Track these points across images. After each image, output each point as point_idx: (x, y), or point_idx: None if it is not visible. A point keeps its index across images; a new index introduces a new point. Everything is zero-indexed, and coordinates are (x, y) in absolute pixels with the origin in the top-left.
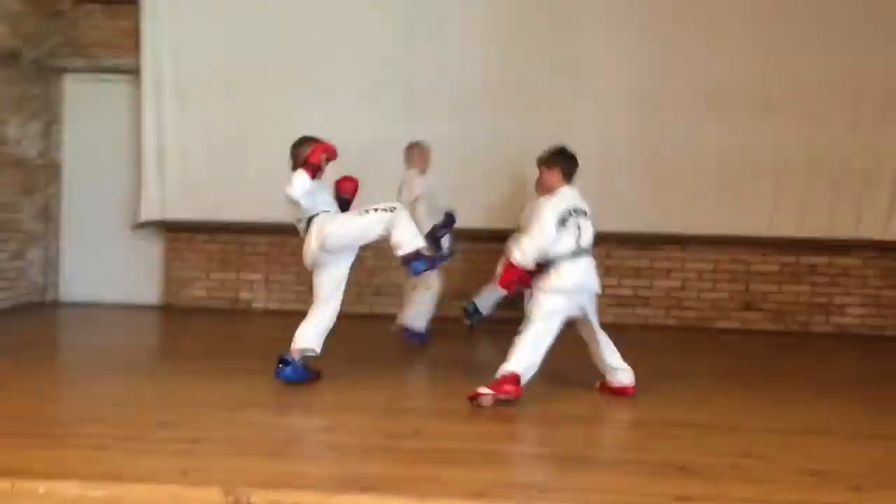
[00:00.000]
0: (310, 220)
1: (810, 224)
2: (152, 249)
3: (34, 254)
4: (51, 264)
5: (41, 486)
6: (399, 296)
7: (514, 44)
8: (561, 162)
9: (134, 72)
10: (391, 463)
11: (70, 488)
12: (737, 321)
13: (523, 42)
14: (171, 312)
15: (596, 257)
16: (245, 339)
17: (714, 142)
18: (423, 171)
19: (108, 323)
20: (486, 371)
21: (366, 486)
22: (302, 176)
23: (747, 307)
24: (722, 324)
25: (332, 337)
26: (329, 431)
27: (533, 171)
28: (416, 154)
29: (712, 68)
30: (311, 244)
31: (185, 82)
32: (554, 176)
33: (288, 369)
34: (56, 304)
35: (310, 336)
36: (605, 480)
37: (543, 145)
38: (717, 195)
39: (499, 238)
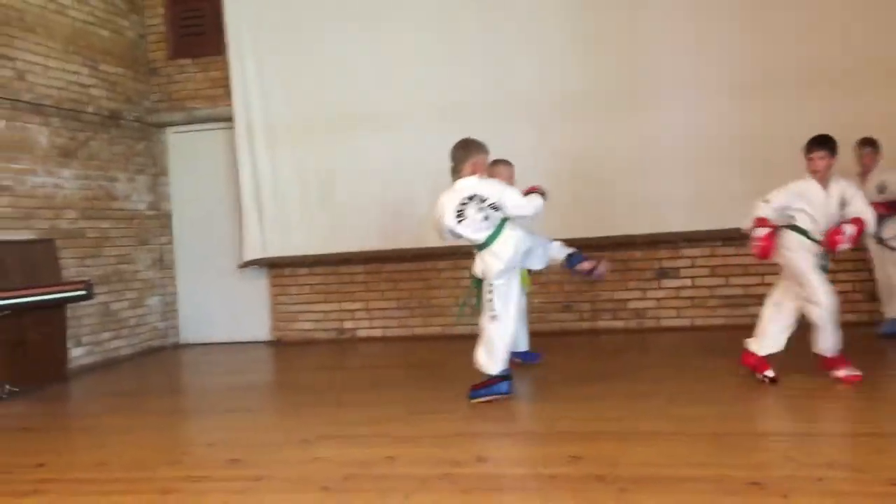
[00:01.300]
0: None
1: None
2: (259, 287)
3: (152, 301)
4: (169, 309)
5: None
6: None
7: (592, 54)
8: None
9: (228, 119)
10: (445, 494)
11: None
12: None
13: (601, 52)
14: (280, 346)
15: (700, 257)
16: (344, 368)
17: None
18: None
19: (219, 362)
20: None
21: None
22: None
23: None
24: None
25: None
26: (391, 462)
27: None
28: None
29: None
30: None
31: (274, 125)
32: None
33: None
34: (176, 347)
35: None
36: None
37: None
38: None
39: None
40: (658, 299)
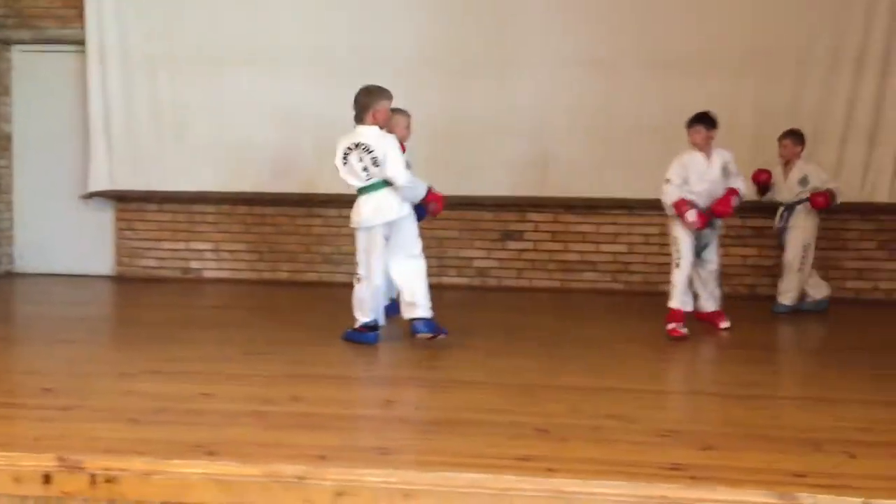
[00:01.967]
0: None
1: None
2: (103, 220)
3: None
4: (3, 235)
5: None
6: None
7: (453, 17)
8: None
9: (80, 42)
10: (248, 428)
11: None
12: None
13: (461, 15)
14: (122, 282)
15: (543, 222)
16: (185, 307)
17: (658, 105)
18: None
19: (55, 294)
20: None
21: (210, 452)
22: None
23: None
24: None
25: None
26: (207, 398)
27: None
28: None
29: (655, 33)
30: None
31: (129, 52)
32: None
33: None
34: (10, 275)
35: None
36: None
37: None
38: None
39: None
40: (500, 259)
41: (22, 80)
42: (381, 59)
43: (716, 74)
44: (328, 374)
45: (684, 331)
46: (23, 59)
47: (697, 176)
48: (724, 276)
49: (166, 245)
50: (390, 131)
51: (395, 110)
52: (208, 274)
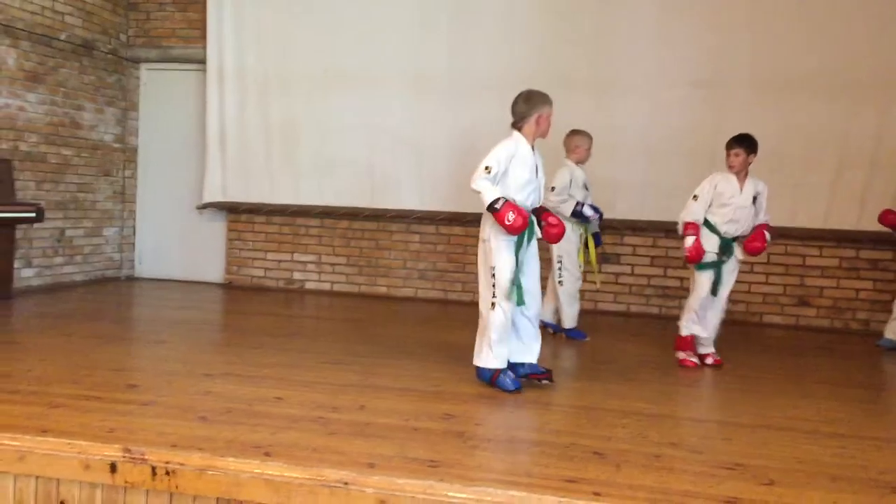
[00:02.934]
0: None
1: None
2: (216, 229)
3: (109, 231)
4: (126, 242)
5: None
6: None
7: (549, 37)
8: None
9: (202, 61)
10: (307, 433)
11: None
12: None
13: (560, 35)
14: (230, 290)
15: (642, 246)
16: (281, 315)
17: (770, 128)
18: (578, 161)
19: (165, 298)
20: None
21: (267, 453)
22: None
23: (802, 303)
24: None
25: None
26: (277, 402)
27: None
28: (580, 144)
29: (761, 53)
30: None
31: (245, 72)
32: None
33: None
34: (129, 279)
35: None
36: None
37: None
38: (770, 184)
39: None
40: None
41: (148, 97)
42: (479, 81)
43: (832, 98)
44: (395, 386)
45: (695, 360)
46: (150, 77)
47: (726, 199)
48: (835, 310)
49: (272, 256)
50: (571, 151)
51: (577, 132)
52: (310, 285)
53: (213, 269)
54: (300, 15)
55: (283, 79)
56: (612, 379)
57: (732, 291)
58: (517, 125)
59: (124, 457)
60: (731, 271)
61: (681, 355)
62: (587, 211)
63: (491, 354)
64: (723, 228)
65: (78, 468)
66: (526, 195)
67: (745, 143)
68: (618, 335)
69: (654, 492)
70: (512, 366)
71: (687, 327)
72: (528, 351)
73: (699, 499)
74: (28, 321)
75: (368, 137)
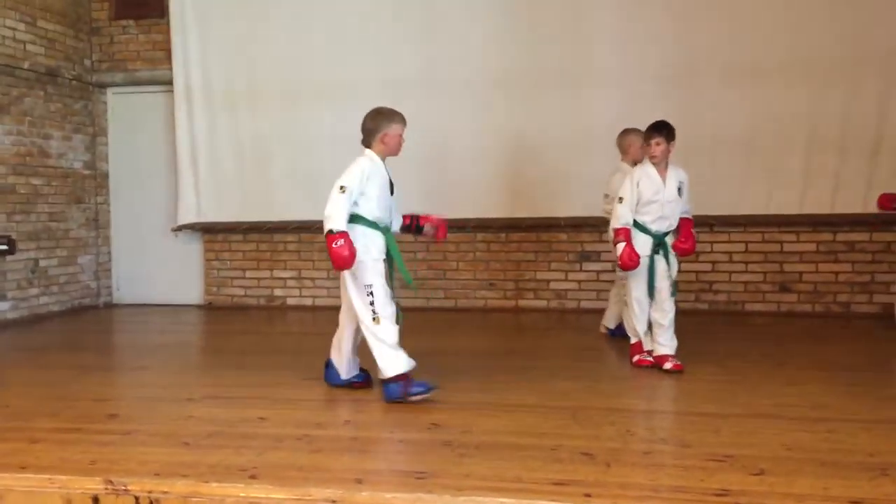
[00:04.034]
0: None
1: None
2: (192, 251)
3: (84, 259)
4: (102, 269)
5: None
6: None
7: (535, 34)
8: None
9: (168, 82)
10: (292, 452)
11: None
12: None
13: (533, 34)
14: (210, 311)
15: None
16: (263, 334)
17: (740, 117)
18: (634, 162)
19: (144, 322)
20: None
21: (252, 475)
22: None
23: (783, 289)
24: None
25: None
26: (261, 422)
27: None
28: (627, 142)
29: (731, 41)
30: None
31: (213, 91)
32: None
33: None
34: (108, 306)
35: None
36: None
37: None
38: (744, 173)
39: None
40: (579, 281)
41: (116, 121)
42: (450, 84)
43: (801, 84)
44: (381, 398)
45: (650, 359)
46: (117, 101)
47: (650, 195)
48: (815, 294)
49: (251, 274)
50: (625, 152)
51: (629, 131)
52: (291, 301)
53: (192, 290)
54: (266, 29)
55: (251, 94)
56: (595, 377)
57: (714, 282)
58: (366, 142)
59: (107, 489)
60: (672, 266)
61: (635, 359)
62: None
63: (397, 357)
64: (653, 227)
65: (59, 503)
66: (382, 212)
67: (664, 131)
68: (599, 333)
69: (645, 489)
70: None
71: (634, 335)
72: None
73: (691, 493)
74: (4, 355)
75: (341, 148)
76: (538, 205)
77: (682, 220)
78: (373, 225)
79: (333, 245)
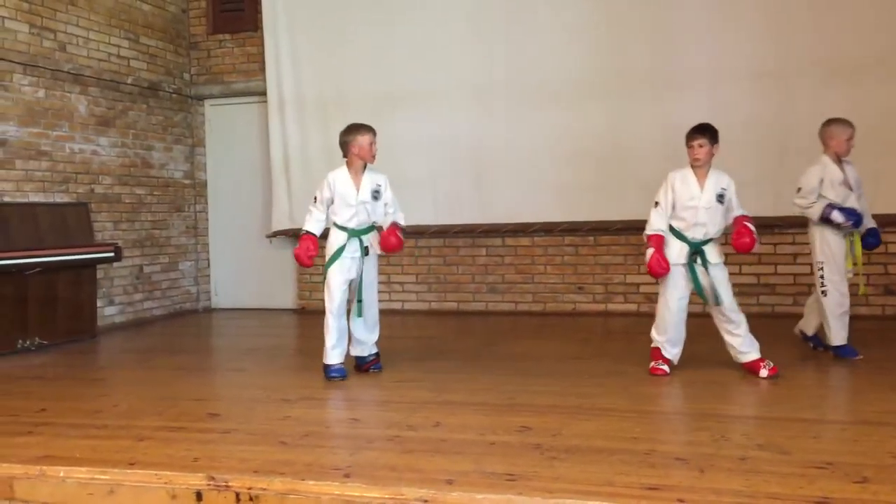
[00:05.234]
0: None
1: None
2: (286, 256)
3: (185, 265)
4: (201, 274)
5: (62, 471)
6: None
7: (605, 36)
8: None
9: (262, 93)
10: (385, 452)
11: (83, 473)
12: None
13: (616, 33)
14: (303, 315)
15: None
16: None
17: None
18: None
19: (241, 326)
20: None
21: (346, 474)
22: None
23: (888, 292)
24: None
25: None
26: (353, 423)
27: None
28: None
29: (822, 41)
30: None
31: (304, 100)
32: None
33: None
34: (207, 311)
35: None
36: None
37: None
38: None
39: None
40: None
41: (213, 132)
42: (537, 88)
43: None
44: (471, 401)
45: (665, 368)
46: (214, 113)
47: (686, 201)
48: None
49: None
50: (827, 145)
51: (832, 122)
52: (381, 305)
53: (285, 295)
54: (353, 38)
55: (341, 103)
56: (688, 382)
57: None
58: (343, 154)
59: (209, 485)
60: (715, 277)
61: (651, 365)
62: (836, 217)
63: (331, 350)
64: (689, 234)
65: (165, 498)
66: (349, 217)
67: (708, 133)
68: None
69: (741, 496)
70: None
71: (654, 339)
72: (363, 346)
73: (789, 500)
74: (113, 357)
75: (429, 154)
76: (626, 207)
77: (736, 217)
78: (342, 228)
79: (299, 246)
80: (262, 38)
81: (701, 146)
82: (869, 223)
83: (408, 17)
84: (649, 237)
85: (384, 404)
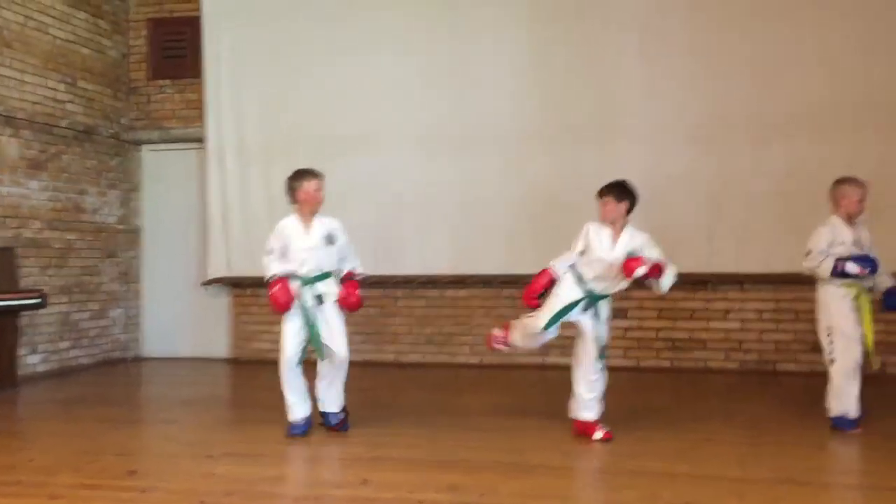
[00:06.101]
0: None
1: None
2: (221, 305)
3: (115, 312)
4: (131, 322)
5: None
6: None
7: (554, 88)
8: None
9: (201, 140)
10: None
11: None
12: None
13: (563, 86)
14: (237, 365)
15: (648, 299)
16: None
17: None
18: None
19: (172, 376)
20: None
21: None
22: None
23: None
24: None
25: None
26: (278, 482)
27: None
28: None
29: (760, 96)
30: None
31: (245, 147)
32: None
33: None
34: (137, 360)
35: None
36: None
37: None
38: (774, 229)
39: None
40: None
41: (150, 178)
42: (481, 135)
43: (834, 134)
44: (403, 457)
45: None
46: (151, 158)
47: (595, 253)
48: None
49: (278, 328)
50: (837, 204)
51: (843, 181)
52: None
53: (220, 344)
54: (297, 86)
55: (283, 149)
56: (617, 438)
57: (744, 341)
58: (291, 201)
59: None
60: (594, 327)
61: (597, 435)
62: (850, 268)
63: (292, 405)
64: (590, 284)
65: None
66: (299, 263)
67: (614, 192)
68: (627, 392)
69: None
70: (323, 414)
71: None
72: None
73: None
74: (33, 408)
75: (370, 202)
76: None
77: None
78: (293, 275)
79: (271, 291)
80: (203, 84)
81: (605, 204)
82: (887, 282)
83: (352, 64)
84: (546, 270)
85: (313, 461)
